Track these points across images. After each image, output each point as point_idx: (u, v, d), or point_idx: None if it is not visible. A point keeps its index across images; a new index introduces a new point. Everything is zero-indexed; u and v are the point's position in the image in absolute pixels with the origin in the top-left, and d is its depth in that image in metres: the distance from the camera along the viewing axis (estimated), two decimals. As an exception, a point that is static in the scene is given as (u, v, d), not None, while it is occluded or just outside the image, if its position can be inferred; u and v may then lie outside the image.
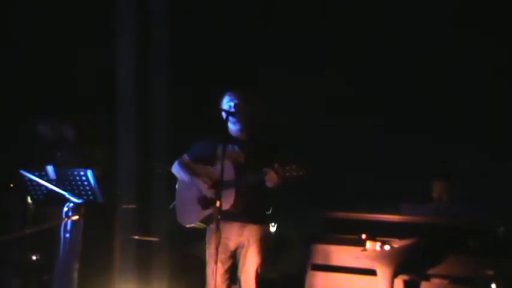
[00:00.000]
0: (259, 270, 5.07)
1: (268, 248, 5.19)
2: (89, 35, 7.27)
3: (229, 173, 4.87)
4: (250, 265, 5.06)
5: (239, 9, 7.29)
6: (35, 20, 7.13)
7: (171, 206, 5.26)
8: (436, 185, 6.20)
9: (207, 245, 5.14)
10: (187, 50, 7.48)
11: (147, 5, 7.38)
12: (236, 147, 5.09)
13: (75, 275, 5.55)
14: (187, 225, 5.16)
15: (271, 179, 4.80)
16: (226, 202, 4.82)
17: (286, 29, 7.28)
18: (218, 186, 4.82)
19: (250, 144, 5.11)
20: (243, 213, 4.98)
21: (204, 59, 7.41)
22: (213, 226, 5.04)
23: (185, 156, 5.27)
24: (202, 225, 5.12)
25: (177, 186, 5.29)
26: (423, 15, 6.93)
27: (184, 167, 5.22)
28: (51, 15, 7.12)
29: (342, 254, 5.35)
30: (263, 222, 5.12)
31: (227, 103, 5.08)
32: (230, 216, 4.86)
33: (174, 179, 5.28)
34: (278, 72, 7.21)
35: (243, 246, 5.07)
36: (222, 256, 4.91)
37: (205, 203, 5.07)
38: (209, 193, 5.02)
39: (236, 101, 5.06)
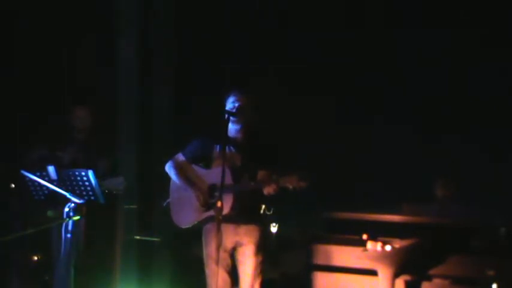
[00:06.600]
0: (258, 270, 5.08)
1: (266, 248, 5.20)
2: (89, 32, 7.29)
3: (226, 177, 4.85)
4: (247, 266, 5.08)
5: (242, 8, 7.29)
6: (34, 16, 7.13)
7: (165, 204, 5.26)
8: (438, 184, 6.20)
9: (203, 246, 5.15)
10: (188, 49, 7.49)
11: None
12: (233, 148, 5.09)
13: (72, 274, 5.55)
14: (183, 226, 5.17)
15: (270, 190, 4.81)
16: (225, 206, 4.81)
17: (288, 29, 7.28)
18: (218, 189, 4.82)
19: (247, 145, 5.11)
20: (238, 215, 4.99)
21: (205, 58, 7.41)
22: (209, 226, 5.07)
23: (180, 156, 5.25)
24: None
25: (170, 185, 5.29)
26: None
27: (178, 169, 5.20)
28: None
29: (343, 255, 5.36)
30: (258, 223, 5.13)
31: (231, 103, 5.07)
32: (225, 217, 4.84)
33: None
34: (279, 72, 7.22)
35: (241, 245, 5.08)
36: (220, 256, 4.91)
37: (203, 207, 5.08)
38: (201, 210, 5.03)
39: (240, 102, 5.05)
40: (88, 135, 6.08)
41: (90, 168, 5.41)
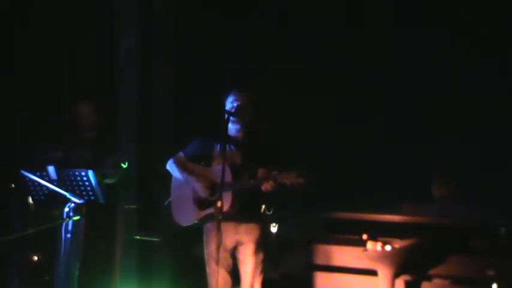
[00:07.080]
0: (259, 269, 5.09)
1: (266, 247, 5.21)
2: (89, 32, 7.29)
3: (226, 175, 4.86)
4: (248, 265, 5.09)
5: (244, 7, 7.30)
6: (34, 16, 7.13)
7: (166, 203, 5.27)
8: (437, 184, 6.20)
9: (204, 245, 5.15)
10: (188, 49, 7.48)
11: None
12: (233, 147, 5.10)
13: (76, 275, 5.56)
14: (184, 225, 5.18)
15: (267, 187, 4.82)
16: (224, 204, 4.82)
17: (288, 29, 7.28)
18: (218, 187, 4.83)
19: (247, 144, 5.12)
20: (238, 213, 5.00)
21: (205, 58, 7.41)
22: (209, 225, 5.08)
23: (180, 154, 5.27)
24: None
25: (171, 184, 5.29)
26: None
27: (179, 165, 5.22)
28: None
29: (343, 255, 5.35)
30: (258, 221, 5.13)
31: (230, 103, 5.08)
32: (225, 216, 4.85)
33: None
34: (279, 72, 7.21)
35: (241, 244, 5.09)
36: (221, 255, 4.92)
37: (203, 204, 5.08)
38: (205, 193, 5.03)
39: (240, 102, 5.06)
40: (95, 132, 6.06)
41: (98, 166, 5.42)
